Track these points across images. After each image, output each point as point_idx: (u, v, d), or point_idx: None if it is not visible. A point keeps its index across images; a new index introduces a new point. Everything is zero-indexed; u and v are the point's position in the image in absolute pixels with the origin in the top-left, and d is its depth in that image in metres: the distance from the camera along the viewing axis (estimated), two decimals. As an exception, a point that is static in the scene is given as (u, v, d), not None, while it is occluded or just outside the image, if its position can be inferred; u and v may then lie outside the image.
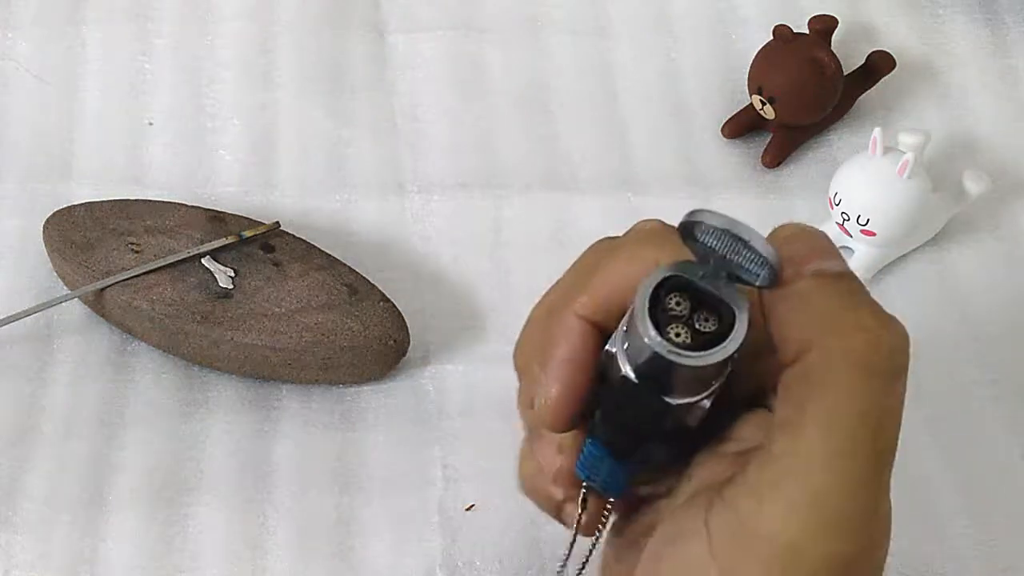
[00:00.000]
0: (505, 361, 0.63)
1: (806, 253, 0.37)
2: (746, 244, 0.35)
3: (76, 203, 0.64)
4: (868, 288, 0.67)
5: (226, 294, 0.60)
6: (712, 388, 0.38)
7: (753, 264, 0.36)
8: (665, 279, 0.37)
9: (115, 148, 0.69)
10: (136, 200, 0.64)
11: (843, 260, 0.38)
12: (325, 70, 0.72)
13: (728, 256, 0.36)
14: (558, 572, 0.44)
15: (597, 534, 0.42)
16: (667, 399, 0.38)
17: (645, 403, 0.38)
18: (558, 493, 0.43)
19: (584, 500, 0.42)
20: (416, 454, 0.60)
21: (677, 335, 0.37)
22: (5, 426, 0.59)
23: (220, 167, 0.69)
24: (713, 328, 0.37)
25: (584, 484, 0.42)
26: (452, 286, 0.65)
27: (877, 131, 0.63)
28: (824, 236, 0.39)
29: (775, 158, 0.69)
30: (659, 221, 0.40)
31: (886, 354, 0.36)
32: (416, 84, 0.72)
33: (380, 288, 0.62)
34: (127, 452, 0.59)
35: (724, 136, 0.70)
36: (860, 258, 0.65)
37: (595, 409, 0.40)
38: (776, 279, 0.36)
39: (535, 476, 0.43)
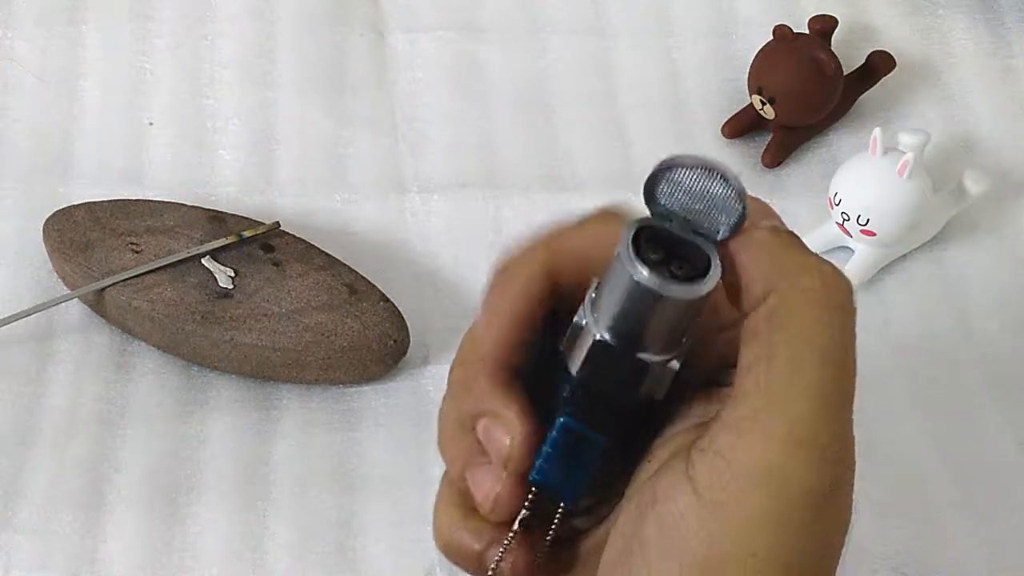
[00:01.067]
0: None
1: (756, 213, 0.39)
2: (721, 178, 0.37)
3: (76, 203, 0.64)
4: (867, 288, 0.67)
5: (226, 294, 0.60)
6: (683, 345, 0.39)
7: (719, 214, 0.38)
8: (642, 229, 0.38)
9: (115, 148, 0.69)
10: (136, 200, 0.64)
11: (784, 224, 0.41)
12: (325, 70, 0.72)
13: (686, 216, 0.38)
14: None
15: (551, 531, 0.42)
16: (643, 356, 0.38)
17: (623, 362, 0.38)
18: (477, 543, 0.42)
19: (521, 522, 0.41)
20: (416, 454, 0.60)
21: (660, 276, 0.38)
22: (5, 426, 0.60)
23: (220, 167, 0.69)
24: (686, 273, 0.38)
25: (530, 496, 0.41)
26: (452, 286, 0.65)
27: (877, 131, 0.63)
28: (765, 203, 0.41)
29: (775, 158, 0.69)
30: (611, 205, 0.42)
31: (843, 293, 0.38)
32: (416, 84, 0.72)
33: (380, 288, 0.62)
34: (127, 452, 0.59)
35: (724, 136, 0.70)
36: (860, 258, 0.65)
37: (551, 396, 0.40)
38: (739, 225, 0.38)
39: (453, 525, 0.42)
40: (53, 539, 0.56)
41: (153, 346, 0.62)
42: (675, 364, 0.39)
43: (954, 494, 0.59)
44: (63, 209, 0.64)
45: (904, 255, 0.66)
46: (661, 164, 0.38)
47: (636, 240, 0.38)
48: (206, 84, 0.72)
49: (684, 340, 0.39)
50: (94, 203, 0.64)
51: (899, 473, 0.59)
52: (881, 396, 0.61)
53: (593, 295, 0.39)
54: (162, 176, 0.68)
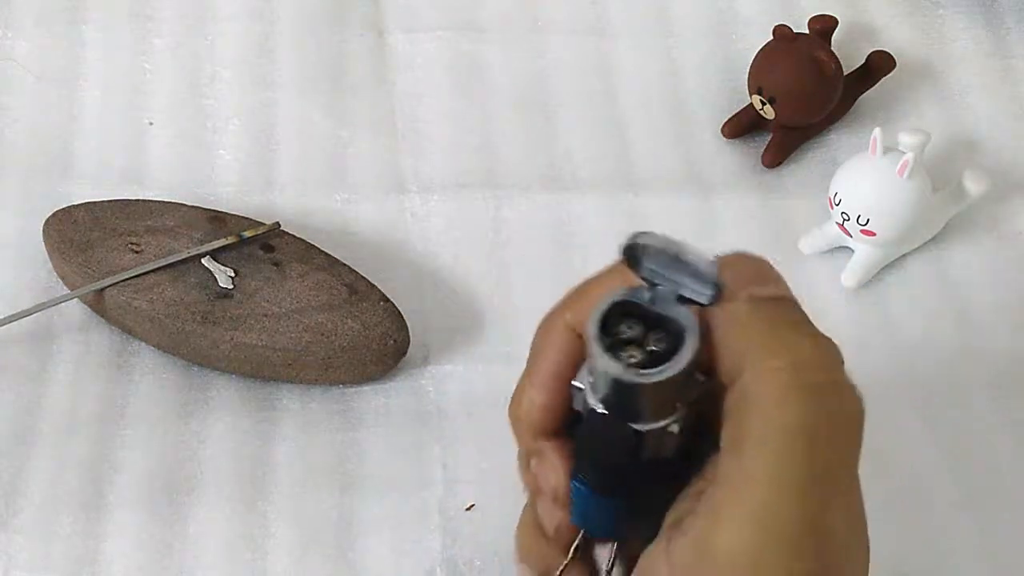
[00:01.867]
0: (505, 361, 0.64)
1: (742, 279, 0.38)
2: (687, 264, 0.37)
3: (76, 203, 0.64)
4: (867, 288, 0.67)
5: (226, 294, 0.60)
6: (678, 412, 0.39)
7: (697, 283, 0.37)
8: (616, 304, 0.38)
9: (115, 148, 0.69)
10: (136, 200, 0.64)
11: (782, 285, 0.39)
12: (325, 70, 0.72)
13: (673, 278, 0.38)
14: None
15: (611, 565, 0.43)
16: (636, 426, 0.38)
17: (615, 432, 0.39)
18: (553, 556, 0.43)
19: (575, 550, 0.43)
20: (416, 454, 0.60)
21: (631, 356, 0.38)
22: (5, 426, 0.60)
23: (220, 167, 0.69)
24: (665, 347, 0.38)
25: (579, 536, 0.42)
26: (452, 286, 0.65)
27: (877, 131, 0.63)
28: (764, 262, 0.40)
29: (775, 158, 0.69)
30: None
31: (812, 371, 0.37)
32: (416, 84, 0.72)
33: (380, 288, 0.62)
34: (127, 452, 0.59)
35: (724, 136, 0.70)
36: (860, 258, 0.65)
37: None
38: (718, 296, 0.37)
39: (529, 546, 0.44)
40: (53, 540, 0.56)
41: (153, 346, 0.62)
42: (674, 428, 0.39)
43: (954, 494, 0.59)
44: (63, 209, 0.64)
45: (904, 255, 0.66)
46: (631, 237, 0.37)
47: (612, 315, 0.38)
48: (206, 84, 0.72)
49: (679, 405, 0.39)
50: (94, 203, 0.64)
51: (899, 473, 0.59)
52: (881, 396, 0.61)
53: (587, 363, 0.40)
54: (162, 176, 0.68)
